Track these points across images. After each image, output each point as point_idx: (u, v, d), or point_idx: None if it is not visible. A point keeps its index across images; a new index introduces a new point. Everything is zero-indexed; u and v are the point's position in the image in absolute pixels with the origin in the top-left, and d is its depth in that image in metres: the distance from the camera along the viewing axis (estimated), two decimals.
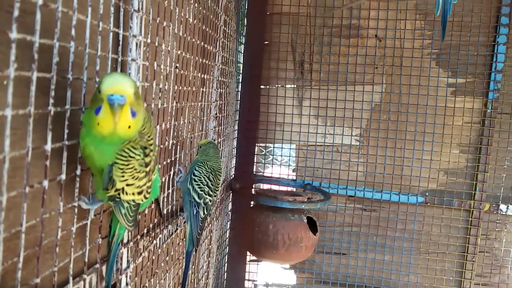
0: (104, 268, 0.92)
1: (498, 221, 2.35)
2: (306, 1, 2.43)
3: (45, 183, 0.69)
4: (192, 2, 1.34)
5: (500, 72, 2.27)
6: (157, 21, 1.08)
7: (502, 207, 2.31)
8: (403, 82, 2.37)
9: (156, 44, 1.09)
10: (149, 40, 1.03)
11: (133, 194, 0.80)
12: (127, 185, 0.78)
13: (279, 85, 2.52)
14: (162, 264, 1.30)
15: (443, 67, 2.35)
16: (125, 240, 1.01)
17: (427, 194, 2.39)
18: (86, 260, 0.85)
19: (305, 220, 2.06)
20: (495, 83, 2.28)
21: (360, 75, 2.42)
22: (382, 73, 2.40)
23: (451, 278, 2.38)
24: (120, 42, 0.91)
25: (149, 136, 0.81)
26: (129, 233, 1.04)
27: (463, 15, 2.28)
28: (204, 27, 1.51)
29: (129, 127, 0.72)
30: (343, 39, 2.42)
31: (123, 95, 0.68)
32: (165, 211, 1.28)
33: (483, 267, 2.37)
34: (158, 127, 1.14)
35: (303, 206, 2.02)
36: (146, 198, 0.84)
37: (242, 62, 2.35)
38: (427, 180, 2.38)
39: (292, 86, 2.52)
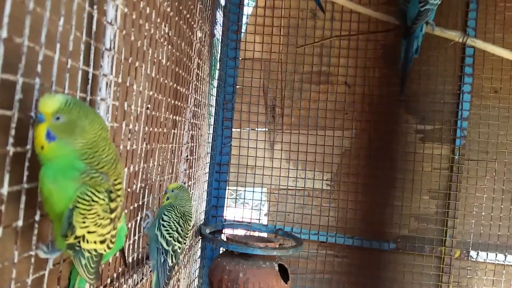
0: None
1: (469, 268, 2.34)
2: (278, 47, 2.48)
3: None
4: (165, 44, 1.33)
5: (466, 120, 2.34)
6: (129, 61, 1.05)
7: (472, 253, 2.31)
8: (372, 128, 2.41)
9: (128, 84, 1.05)
10: (120, 80, 1.00)
11: (95, 242, 0.73)
12: (89, 232, 0.72)
13: (251, 129, 2.51)
14: None
15: (411, 113, 2.41)
16: None
17: (398, 240, 2.37)
18: None
19: (277, 268, 1.99)
20: (461, 130, 2.34)
21: (330, 120, 2.44)
22: (352, 119, 2.44)
23: None
24: (90, 81, 0.87)
25: (115, 180, 0.76)
26: (91, 285, 0.96)
27: (429, 64, 2.36)
28: (177, 69, 1.49)
29: (42, 148, 0.68)
30: (313, 85, 2.46)
31: (41, 114, 0.67)
32: (130, 259, 1.20)
33: None
34: (126, 169, 1.09)
35: (274, 252, 1.96)
36: (109, 248, 0.77)
37: (214, 105, 2.34)
38: (398, 226, 2.37)
39: (264, 129, 2.51)
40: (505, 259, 2.29)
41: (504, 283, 2.32)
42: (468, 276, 2.34)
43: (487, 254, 2.30)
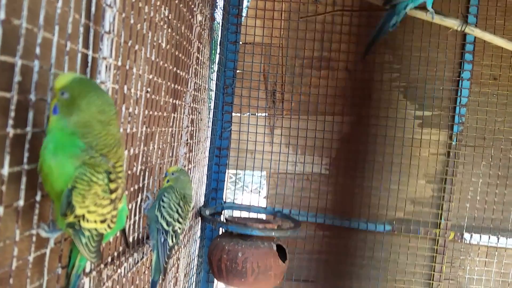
0: None
1: (462, 250, 2.39)
2: (279, 32, 2.47)
3: (0, 209, 0.64)
4: (165, 27, 1.34)
5: (464, 106, 2.35)
6: (129, 44, 1.06)
7: (466, 236, 2.35)
8: (372, 114, 2.42)
9: (127, 67, 1.07)
10: (119, 63, 1.01)
11: (95, 222, 0.76)
12: (89, 212, 0.74)
13: (251, 113, 2.52)
14: None
15: (410, 100, 2.42)
16: (87, 270, 0.95)
17: (394, 222, 2.41)
18: None
19: (275, 248, 2.03)
20: (459, 116, 2.36)
21: (330, 105, 2.45)
22: (352, 104, 2.45)
23: None
24: (89, 64, 0.89)
25: (116, 163, 0.78)
26: (92, 263, 0.99)
27: (429, 51, 2.36)
28: (177, 53, 1.50)
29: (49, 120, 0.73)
30: (314, 71, 2.46)
31: (54, 90, 0.73)
32: (131, 239, 1.23)
33: None
34: (126, 152, 1.11)
35: (273, 233, 1.99)
36: (110, 228, 0.79)
37: (214, 89, 2.35)
38: (394, 209, 2.41)
39: (264, 114, 2.53)
40: (498, 242, 2.33)
41: (496, 264, 2.36)
42: (461, 257, 2.39)
43: (480, 236, 2.34)
